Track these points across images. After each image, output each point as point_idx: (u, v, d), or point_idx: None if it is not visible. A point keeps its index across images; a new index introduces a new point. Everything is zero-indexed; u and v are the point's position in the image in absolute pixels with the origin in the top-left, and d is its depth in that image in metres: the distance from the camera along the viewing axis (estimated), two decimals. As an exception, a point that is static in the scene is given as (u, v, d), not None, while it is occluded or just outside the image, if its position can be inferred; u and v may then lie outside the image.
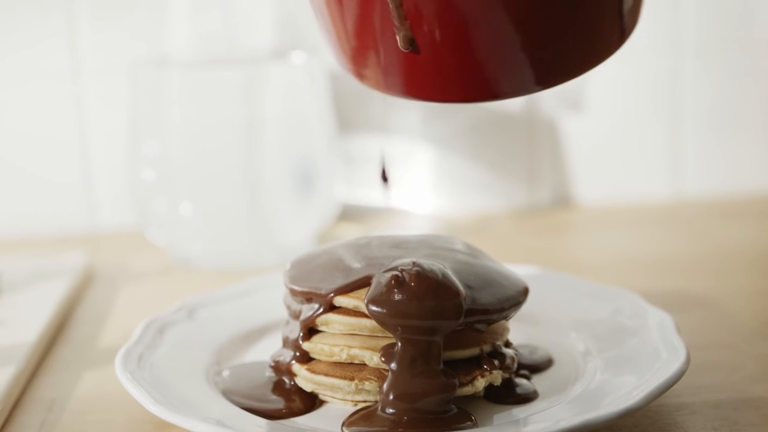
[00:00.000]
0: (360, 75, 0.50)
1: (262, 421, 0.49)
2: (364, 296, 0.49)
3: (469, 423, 0.48)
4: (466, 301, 0.49)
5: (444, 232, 0.84)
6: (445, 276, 0.49)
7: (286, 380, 0.52)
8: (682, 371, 0.49)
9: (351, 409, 0.50)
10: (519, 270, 0.59)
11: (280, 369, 0.53)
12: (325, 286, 0.50)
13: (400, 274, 0.49)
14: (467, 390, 0.49)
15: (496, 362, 0.50)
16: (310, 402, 0.51)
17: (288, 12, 0.84)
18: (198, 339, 0.58)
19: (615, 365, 0.52)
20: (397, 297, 0.48)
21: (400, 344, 0.48)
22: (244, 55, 0.77)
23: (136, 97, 0.77)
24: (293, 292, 0.52)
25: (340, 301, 0.50)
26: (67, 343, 0.63)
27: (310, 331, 0.51)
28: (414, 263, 0.49)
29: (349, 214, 0.89)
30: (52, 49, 0.85)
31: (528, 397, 0.51)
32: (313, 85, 0.78)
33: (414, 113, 0.89)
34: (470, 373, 0.50)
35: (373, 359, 0.49)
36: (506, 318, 0.51)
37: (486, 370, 0.50)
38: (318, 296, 0.50)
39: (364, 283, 0.50)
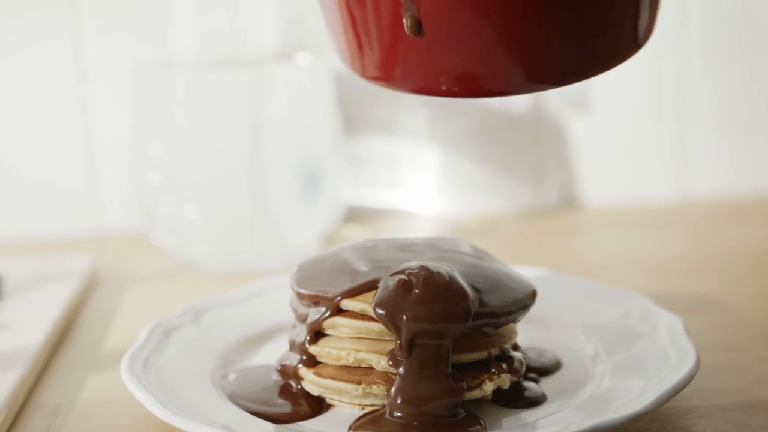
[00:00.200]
0: (365, 70, 0.49)
1: (268, 426, 0.49)
2: (371, 299, 0.49)
3: (478, 427, 0.47)
4: (474, 304, 0.49)
5: (450, 234, 0.84)
6: (452, 279, 0.49)
7: (293, 384, 0.52)
8: (691, 375, 0.48)
9: (358, 413, 0.50)
10: (526, 272, 0.59)
11: (286, 373, 0.52)
12: (332, 290, 0.50)
13: (407, 278, 0.49)
14: (475, 394, 0.49)
15: (505, 365, 0.50)
16: (317, 406, 0.51)
17: (293, 13, 0.83)
18: (204, 342, 0.57)
19: (624, 368, 0.52)
20: (404, 300, 0.48)
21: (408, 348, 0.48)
22: (250, 56, 0.77)
23: (142, 99, 0.76)
24: (300, 296, 0.52)
25: (347, 304, 0.50)
26: (72, 346, 0.63)
27: (317, 334, 0.51)
28: (421, 266, 0.49)
29: (354, 215, 0.88)
30: (56, 50, 0.85)
31: (536, 401, 0.51)
32: (318, 86, 0.77)
33: (420, 114, 0.89)
34: (478, 376, 0.49)
35: (381, 363, 0.49)
36: (514, 321, 0.51)
37: (494, 373, 0.50)
38: (325, 299, 0.50)
39: (371, 286, 0.50)
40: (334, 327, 0.50)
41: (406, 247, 0.54)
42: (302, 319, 0.52)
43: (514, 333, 0.52)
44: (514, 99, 0.89)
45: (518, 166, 0.91)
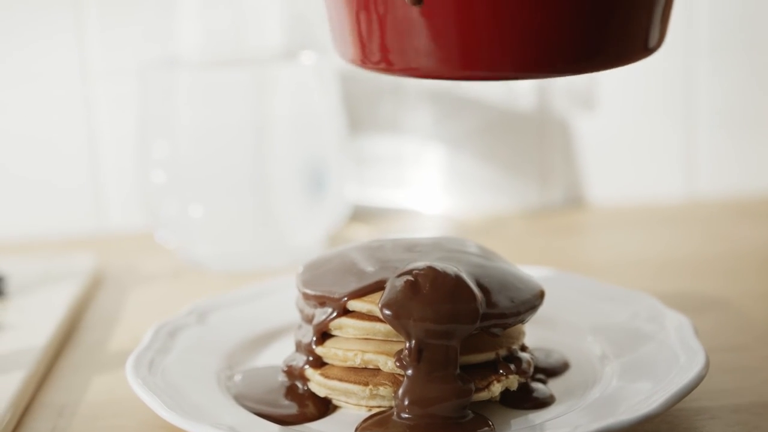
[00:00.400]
0: (366, 56, 0.48)
1: (275, 427, 0.49)
2: (378, 300, 0.48)
3: (486, 428, 0.47)
4: (482, 304, 0.48)
5: (455, 233, 0.84)
6: (460, 279, 0.49)
7: (299, 385, 0.52)
8: (701, 376, 0.48)
9: (365, 414, 0.49)
10: (533, 272, 0.59)
11: (293, 374, 0.52)
12: (339, 290, 0.50)
13: (414, 278, 0.48)
14: (483, 395, 0.49)
15: (513, 367, 0.50)
16: (324, 407, 0.51)
17: (298, 12, 0.83)
18: (209, 343, 0.57)
19: (632, 370, 0.51)
20: (411, 301, 0.48)
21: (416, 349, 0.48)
22: (254, 55, 0.76)
23: (146, 98, 0.76)
24: (306, 296, 0.52)
25: (354, 305, 0.49)
26: (77, 347, 0.63)
27: (324, 335, 0.51)
28: (429, 267, 0.49)
29: (360, 215, 0.88)
30: (60, 49, 0.85)
31: (544, 402, 0.50)
32: (323, 85, 0.77)
33: (425, 113, 0.88)
34: (486, 377, 0.49)
35: (388, 364, 0.49)
36: (522, 322, 0.51)
37: (502, 374, 0.49)
38: (331, 300, 0.50)
39: (378, 287, 0.49)
40: (340, 328, 0.50)
41: (412, 247, 0.54)
42: (308, 319, 0.52)
43: (522, 334, 0.52)
44: (517, 93, 0.89)
45: (524, 164, 0.90)
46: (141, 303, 0.71)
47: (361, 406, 0.50)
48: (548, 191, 0.91)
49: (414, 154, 0.89)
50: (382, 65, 0.47)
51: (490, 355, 0.50)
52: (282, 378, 0.53)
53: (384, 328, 0.49)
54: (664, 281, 0.71)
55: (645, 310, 0.57)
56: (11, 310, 0.66)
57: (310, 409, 0.50)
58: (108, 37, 0.85)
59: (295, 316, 0.55)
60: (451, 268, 0.49)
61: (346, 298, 0.49)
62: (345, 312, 0.50)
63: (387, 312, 0.48)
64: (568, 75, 0.48)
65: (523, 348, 0.52)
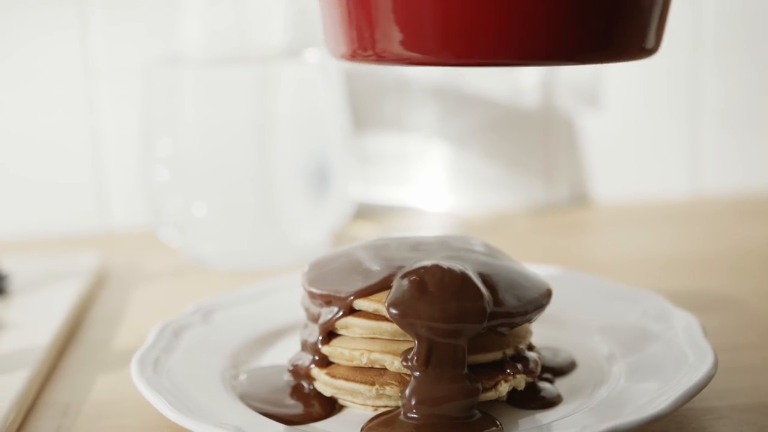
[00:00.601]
0: (362, 47, 0.47)
1: (280, 427, 0.48)
2: (384, 299, 0.48)
3: (494, 428, 0.47)
4: (490, 304, 0.48)
5: (460, 231, 0.84)
6: (467, 278, 0.48)
7: (305, 384, 0.52)
8: (710, 376, 0.48)
9: (371, 414, 0.49)
10: (539, 270, 0.58)
11: (298, 373, 0.52)
12: (345, 289, 0.50)
13: (421, 277, 0.48)
14: (490, 395, 0.48)
15: (520, 366, 0.49)
16: (330, 407, 0.50)
17: (301, 9, 0.83)
18: (214, 342, 0.57)
19: (640, 369, 0.51)
20: (418, 300, 0.47)
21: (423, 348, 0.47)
22: (258, 53, 0.76)
23: (149, 95, 0.76)
24: (312, 295, 0.51)
25: (360, 304, 0.49)
26: (81, 345, 0.62)
27: (330, 334, 0.50)
28: (436, 266, 0.49)
29: (364, 212, 0.88)
30: (64, 48, 0.85)
31: (552, 402, 0.50)
32: (327, 82, 0.77)
33: (429, 110, 0.88)
34: (493, 377, 0.49)
35: (394, 363, 0.48)
36: (530, 321, 0.50)
37: (509, 374, 0.49)
38: (337, 299, 0.50)
39: (384, 286, 0.49)
40: (346, 327, 0.50)
41: (418, 245, 0.53)
42: (314, 318, 0.51)
43: (529, 333, 0.52)
44: (522, 90, 0.89)
45: (528, 162, 0.90)
46: (144, 301, 0.70)
47: (368, 405, 0.49)
48: (553, 189, 0.91)
49: (418, 152, 0.89)
50: (373, 57, 0.47)
51: (497, 355, 0.49)
52: (287, 377, 0.53)
53: (390, 327, 0.48)
54: (669, 279, 0.71)
55: (653, 309, 0.57)
56: (14, 309, 0.66)
57: (316, 408, 0.50)
58: (111, 34, 0.85)
59: (301, 315, 0.54)
60: (457, 266, 0.49)
61: (352, 297, 0.49)
62: (351, 311, 0.49)
63: (394, 311, 0.47)
64: (564, 65, 0.48)
65: (531, 347, 0.52)
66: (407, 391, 0.47)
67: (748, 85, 0.90)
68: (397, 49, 0.46)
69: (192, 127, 0.75)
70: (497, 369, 0.49)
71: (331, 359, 0.50)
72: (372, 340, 0.49)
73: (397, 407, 0.48)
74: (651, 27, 0.47)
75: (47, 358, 0.58)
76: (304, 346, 0.52)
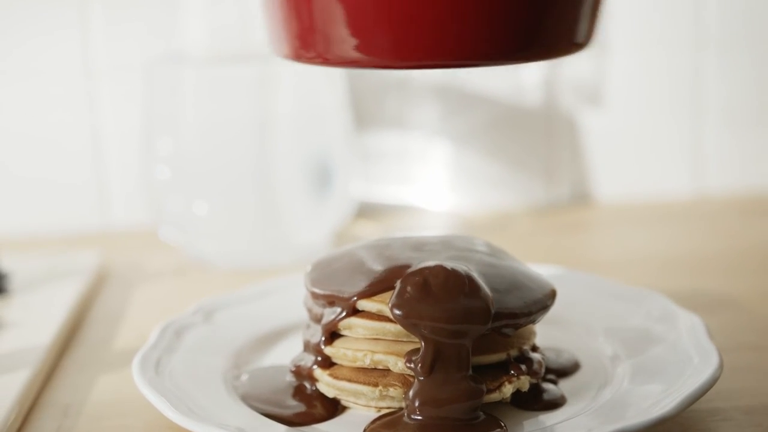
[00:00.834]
0: (308, 48, 0.48)
1: (282, 428, 0.48)
2: (388, 300, 0.48)
3: (499, 430, 0.47)
4: (494, 305, 0.48)
5: (462, 230, 0.83)
6: (471, 279, 0.48)
7: (307, 385, 0.51)
8: (715, 378, 0.47)
9: (374, 415, 0.49)
10: (542, 270, 0.58)
11: (301, 374, 0.52)
12: (348, 290, 0.49)
13: (425, 278, 0.48)
14: (494, 396, 0.48)
15: (524, 367, 0.49)
16: (332, 408, 0.50)
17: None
18: (216, 342, 0.56)
19: (644, 371, 0.51)
20: (422, 301, 0.47)
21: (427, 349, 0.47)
22: (260, 51, 0.76)
23: (150, 94, 0.76)
24: (315, 296, 0.51)
25: (364, 305, 0.49)
26: (82, 345, 0.62)
27: (333, 335, 0.50)
28: (439, 266, 0.48)
29: (365, 211, 0.87)
30: (64, 46, 0.84)
31: (556, 403, 0.50)
32: (328, 81, 0.76)
33: (431, 109, 0.88)
34: (497, 378, 0.48)
35: (398, 365, 0.48)
36: (534, 322, 0.50)
37: (513, 375, 0.49)
38: (341, 300, 0.49)
39: (388, 286, 0.49)
40: (350, 328, 0.49)
41: (420, 246, 0.53)
42: (317, 319, 0.51)
43: (533, 334, 0.51)
44: (524, 89, 0.88)
45: (530, 161, 0.90)
46: (146, 300, 0.70)
47: (371, 407, 0.49)
48: (555, 188, 0.90)
49: (420, 151, 0.89)
50: (317, 59, 0.47)
51: (501, 356, 0.49)
52: (290, 378, 0.52)
53: (394, 328, 0.48)
54: (671, 279, 0.70)
55: (656, 310, 0.57)
56: (15, 308, 0.66)
57: (319, 409, 0.50)
58: (112, 32, 0.84)
59: (303, 315, 0.54)
60: (461, 267, 0.49)
61: (355, 298, 0.49)
62: (354, 312, 0.49)
63: (397, 312, 0.47)
64: (496, 65, 0.48)
65: (534, 348, 0.52)
66: (411, 393, 0.47)
67: (750, 84, 0.90)
68: (340, 51, 0.46)
69: (193, 125, 0.75)
70: (501, 370, 0.49)
71: (334, 360, 0.50)
72: (375, 341, 0.49)
73: (401, 409, 0.48)
74: (582, 22, 0.47)
75: (48, 357, 0.58)
76: (307, 346, 0.52)
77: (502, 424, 0.47)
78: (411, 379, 0.48)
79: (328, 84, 0.76)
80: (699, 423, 0.48)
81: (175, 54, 0.78)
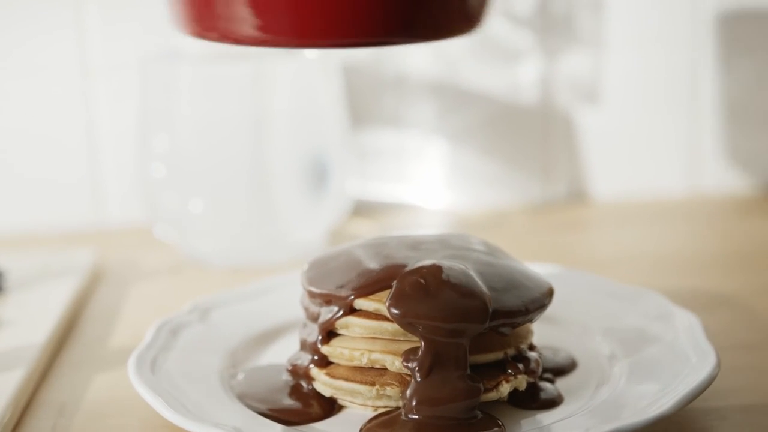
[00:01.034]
0: (208, 27, 0.48)
1: (278, 427, 0.48)
2: (385, 299, 0.48)
3: (496, 429, 0.46)
4: (491, 303, 0.48)
5: (458, 228, 0.83)
6: (468, 278, 0.48)
7: (304, 384, 0.51)
8: (712, 377, 0.47)
9: (371, 414, 0.49)
10: (539, 269, 0.58)
11: (297, 373, 0.51)
12: (345, 289, 0.49)
13: (422, 277, 0.48)
14: (492, 395, 0.48)
15: (521, 366, 0.49)
16: (329, 407, 0.50)
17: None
18: (212, 341, 0.56)
19: (641, 370, 0.51)
20: (420, 300, 0.47)
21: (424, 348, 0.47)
22: (257, 49, 0.75)
23: (146, 91, 0.75)
24: (311, 294, 0.51)
25: (361, 303, 0.49)
26: (77, 343, 0.62)
27: (329, 334, 0.50)
28: (437, 265, 0.48)
29: (362, 209, 0.87)
30: (60, 43, 0.84)
31: (553, 402, 0.50)
32: (325, 79, 0.76)
33: (427, 107, 0.88)
34: (495, 377, 0.48)
35: (395, 364, 0.48)
36: (531, 321, 0.50)
37: (511, 374, 0.49)
38: (338, 299, 0.49)
39: (385, 285, 0.48)
40: (347, 327, 0.49)
41: (417, 244, 0.53)
42: (313, 317, 0.51)
43: (530, 333, 0.51)
44: (520, 87, 0.88)
45: (526, 159, 0.90)
46: (141, 299, 0.70)
47: (368, 406, 0.49)
48: (551, 186, 0.90)
49: (416, 149, 0.89)
50: (217, 37, 0.49)
51: (498, 355, 0.49)
52: (286, 377, 0.52)
53: (391, 327, 0.48)
54: (668, 277, 0.70)
55: (654, 309, 0.57)
56: (10, 306, 0.66)
57: (315, 408, 0.50)
58: (108, 30, 0.84)
59: (299, 314, 0.54)
60: (458, 266, 0.49)
61: (352, 297, 0.49)
62: (351, 311, 0.49)
63: (395, 311, 0.47)
64: (394, 44, 0.50)
65: (531, 347, 0.52)
66: (408, 392, 0.47)
67: (747, 81, 0.90)
68: (239, 29, 0.47)
69: (189, 123, 0.74)
70: (498, 369, 0.49)
71: (331, 359, 0.50)
72: (372, 340, 0.49)
73: (398, 408, 0.48)
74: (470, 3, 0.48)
75: (43, 356, 0.58)
76: (304, 345, 0.52)
77: (500, 423, 0.47)
78: (408, 379, 0.48)
79: (324, 82, 0.76)
80: (696, 422, 0.48)
81: (170, 52, 0.78)
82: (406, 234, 0.56)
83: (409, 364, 0.47)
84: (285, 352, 0.55)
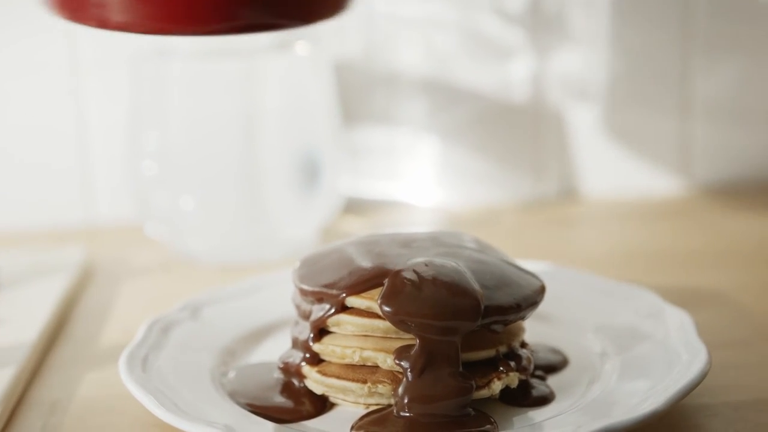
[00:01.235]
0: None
1: (270, 425, 0.48)
2: (377, 297, 0.48)
3: (489, 426, 0.46)
4: (483, 301, 0.48)
5: (449, 226, 0.83)
6: (460, 275, 0.48)
7: (296, 382, 0.51)
8: (703, 375, 0.48)
9: (363, 412, 0.49)
10: (531, 266, 0.58)
11: (289, 371, 0.51)
12: (337, 287, 0.49)
13: (415, 275, 0.47)
14: (484, 393, 0.48)
15: (513, 364, 0.49)
16: (321, 405, 0.50)
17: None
18: (203, 339, 0.56)
19: (633, 367, 0.51)
20: (412, 297, 0.47)
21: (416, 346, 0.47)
22: (247, 45, 0.75)
23: (137, 88, 0.75)
24: (303, 292, 0.51)
25: (353, 301, 0.49)
26: (68, 341, 0.62)
27: (321, 332, 0.50)
28: (429, 263, 0.48)
29: (353, 207, 0.87)
30: (50, 40, 0.84)
31: (545, 399, 0.50)
32: (316, 76, 0.76)
33: (418, 104, 0.88)
34: (487, 375, 0.48)
35: (387, 361, 0.48)
36: (523, 318, 0.50)
37: (502, 372, 0.49)
38: (329, 296, 0.49)
39: (376, 283, 0.48)
40: (338, 324, 0.49)
41: (409, 242, 0.53)
42: (305, 315, 0.51)
43: (522, 330, 0.51)
44: (511, 84, 0.88)
45: (518, 157, 0.90)
46: (132, 296, 0.70)
47: (359, 403, 0.49)
48: (542, 183, 0.90)
49: (407, 146, 0.89)
50: (91, 22, 0.52)
51: (490, 353, 0.49)
52: (278, 375, 0.52)
53: (383, 324, 0.48)
54: (659, 275, 0.70)
55: (645, 306, 0.57)
56: (0, 304, 0.65)
57: (307, 406, 0.50)
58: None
59: (291, 312, 0.54)
60: (450, 264, 0.49)
61: (344, 295, 0.49)
62: (343, 308, 0.49)
63: (387, 308, 0.47)
64: (259, 32, 0.53)
65: (523, 345, 0.52)
66: (400, 389, 0.47)
67: (738, 78, 0.90)
68: (102, 14, 0.50)
69: (180, 120, 0.74)
70: (490, 367, 0.49)
71: (323, 357, 0.50)
72: (364, 338, 0.49)
73: (389, 405, 0.48)
74: None
75: (33, 354, 0.57)
76: (295, 343, 0.52)
77: (492, 420, 0.47)
78: (400, 376, 0.48)
79: (315, 79, 0.76)
80: (688, 419, 0.48)
81: (161, 48, 0.77)
82: (397, 231, 0.56)
83: (402, 362, 0.47)
84: (276, 349, 0.55)
